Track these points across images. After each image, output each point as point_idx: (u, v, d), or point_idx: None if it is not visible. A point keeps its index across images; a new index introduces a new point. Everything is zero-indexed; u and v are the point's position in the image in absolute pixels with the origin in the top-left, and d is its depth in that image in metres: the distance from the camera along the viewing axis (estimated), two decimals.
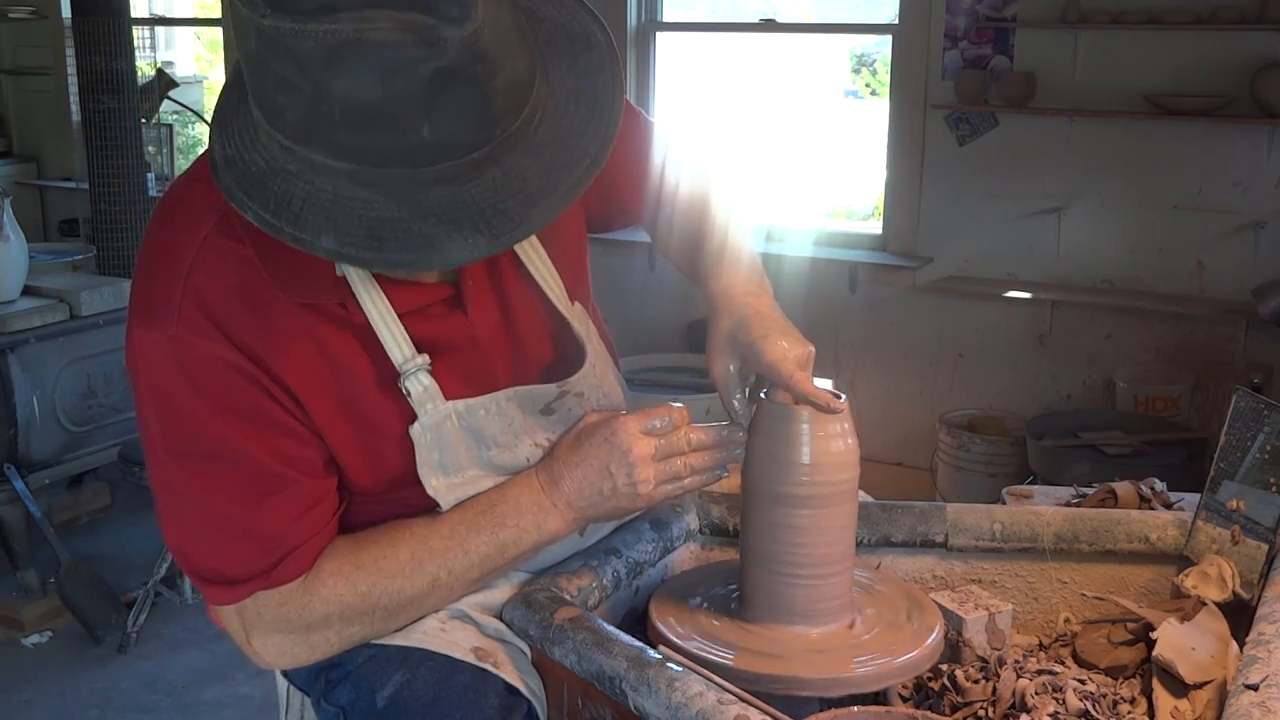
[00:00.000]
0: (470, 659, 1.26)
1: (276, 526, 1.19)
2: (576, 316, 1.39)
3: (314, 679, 1.34)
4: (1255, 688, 1.08)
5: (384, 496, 1.29)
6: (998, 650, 1.37)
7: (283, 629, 1.23)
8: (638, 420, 1.27)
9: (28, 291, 3.64)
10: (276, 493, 1.19)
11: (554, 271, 1.37)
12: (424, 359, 1.24)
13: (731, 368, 1.32)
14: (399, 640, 1.28)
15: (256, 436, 1.17)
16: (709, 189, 1.48)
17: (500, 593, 1.34)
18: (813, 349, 1.29)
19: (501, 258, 1.31)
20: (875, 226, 4.88)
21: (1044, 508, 1.54)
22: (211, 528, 1.20)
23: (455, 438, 1.28)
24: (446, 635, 1.29)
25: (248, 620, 1.22)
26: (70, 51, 4.56)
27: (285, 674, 1.43)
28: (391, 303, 1.22)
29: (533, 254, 1.35)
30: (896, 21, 4.44)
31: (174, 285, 1.15)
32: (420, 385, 1.24)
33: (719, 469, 1.32)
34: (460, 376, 1.28)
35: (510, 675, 1.27)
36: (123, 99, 3.85)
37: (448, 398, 1.26)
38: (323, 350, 1.21)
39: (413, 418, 1.25)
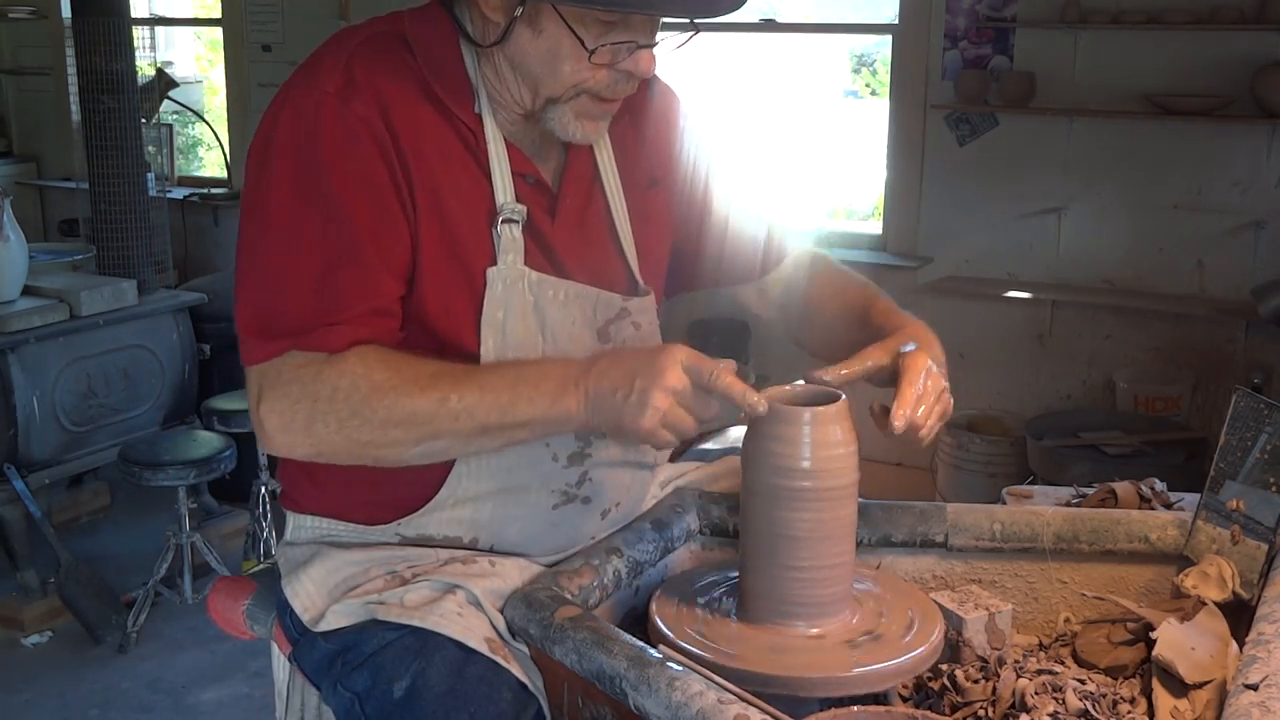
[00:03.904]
0: (484, 649, 1.27)
1: (338, 295, 1.27)
2: (643, 284, 1.48)
3: (328, 664, 1.35)
4: (1255, 688, 1.08)
5: (436, 341, 1.34)
6: (998, 650, 1.37)
7: (292, 394, 1.27)
8: (688, 355, 1.24)
9: (28, 291, 3.64)
10: (353, 265, 1.28)
11: (632, 241, 1.46)
12: (522, 208, 1.35)
13: (872, 363, 1.35)
14: (415, 620, 1.29)
15: (365, 209, 1.28)
16: (832, 264, 1.68)
17: (509, 582, 1.35)
18: (946, 391, 1.34)
19: (597, 200, 1.44)
20: (875, 226, 4.88)
21: (1044, 508, 1.54)
22: (283, 272, 1.29)
23: (523, 306, 1.35)
24: (464, 620, 1.29)
25: (267, 380, 1.28)
26: (70, 51, 4.54)
27: (296, 660, 1.42)
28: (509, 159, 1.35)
29: (620, 214, 1.46)
30: (896, 21, 4.43)
31: (339, 61, 1.30)
32: (511, 234, 1.34)
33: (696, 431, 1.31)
34: (538, 254, 1.37)
35: (518, 671, 1.28)
36: (123, 99, 3.85)
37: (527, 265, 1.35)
38: (448, 163, 1.32)
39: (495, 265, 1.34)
